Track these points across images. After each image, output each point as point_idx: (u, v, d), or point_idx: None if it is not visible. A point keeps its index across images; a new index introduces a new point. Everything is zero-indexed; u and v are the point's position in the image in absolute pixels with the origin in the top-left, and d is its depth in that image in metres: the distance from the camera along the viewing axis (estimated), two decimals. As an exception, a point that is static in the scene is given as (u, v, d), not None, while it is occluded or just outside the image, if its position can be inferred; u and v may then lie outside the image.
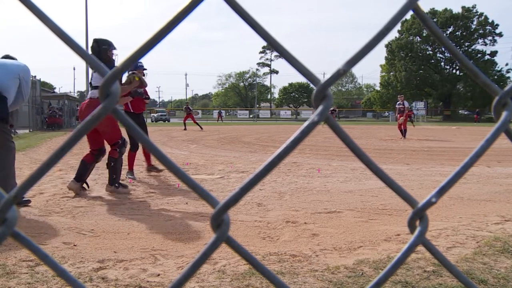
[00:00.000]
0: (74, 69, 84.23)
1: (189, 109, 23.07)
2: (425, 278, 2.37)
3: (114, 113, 0.36)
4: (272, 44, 0.38)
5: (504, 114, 0.46)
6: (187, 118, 22.66)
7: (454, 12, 54.62)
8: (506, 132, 0.47)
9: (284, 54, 0.38)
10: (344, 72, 0.37)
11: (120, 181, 4.90)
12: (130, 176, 5.88)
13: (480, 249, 2.90)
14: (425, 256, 2.67)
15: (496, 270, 2.51)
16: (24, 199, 4.11)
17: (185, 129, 21.80)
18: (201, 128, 21.72)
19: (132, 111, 6.11)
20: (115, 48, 4.93)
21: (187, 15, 0.36)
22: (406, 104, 15.85)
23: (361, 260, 2.69)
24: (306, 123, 0.37)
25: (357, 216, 3.86)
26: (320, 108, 0.37)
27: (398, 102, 15.89)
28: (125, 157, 5.18)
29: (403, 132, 15.57)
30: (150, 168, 6.42)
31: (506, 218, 3.76)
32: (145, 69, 5.98)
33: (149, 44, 0.36)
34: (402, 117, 15.46)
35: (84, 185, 4.82)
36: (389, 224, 3.61)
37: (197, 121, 22.93)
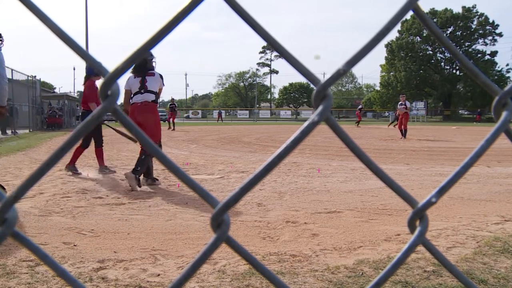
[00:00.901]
0: (74, 69, 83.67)
1: (175, 106, 23.15)
2: (425, 278, 2.37)
3: (114, 113, 0.36)
4: (272, 44, 0.38)
5: (504, 114, 0.46)
6: (174, 118, 22.81)
7: (454, 12, 54.61)
8: (506, 132, 0.47)
9: (284, 54, 0.38)
10: (344, 72, 0.37)
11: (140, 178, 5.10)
12: (72, 171, 6.20)
13: (480, 249, 2.90)
14: (425, 256, 2.67)
15: (496, 270, 2.51)
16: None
17: (173, 129, 21.80)
18: (170, 128, 21.81)
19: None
20: (154, 57, 5.42)
21: (187, 15, 0.36)
22: (408, 104, 15.97)
23: (361, 260, 2.69)
24: (306, 123, 0.37)
25: (357, 216, 3.86)
26: (320, 108, 0.37)
27: (400, 103, 16.03)
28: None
29: (403, 132, 15.62)
30: (103, 168, 6.50)
31: (506, 218, 3.76)
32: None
33: (149, 44, 0.36)
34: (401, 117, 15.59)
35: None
36: (389, 224, 3.61)
37: (173, 122, 22.84)
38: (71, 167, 6.23)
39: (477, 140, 14.53)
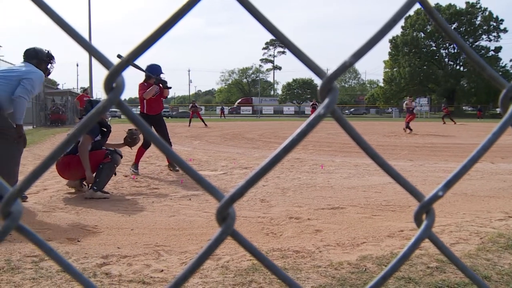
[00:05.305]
0: (77, 65, 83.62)
1: (195, 106, 23.50)
2: (428, 274, 2.37)
3: (118, 105, 0.35)
4: (277, 36, 0.37)
5: (511, 107, 0.45)
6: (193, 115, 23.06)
7: (458, 8, 54.24)
8: (514, 125, 0.46)
9: (289, 46, 0.38)
10: (351, 64, 0.37)
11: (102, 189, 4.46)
12: (134, 171, 5.90)
13: (483, 245, 2.90)
14: (428, 252, 2.66)
15: (500, 267, 2.50)
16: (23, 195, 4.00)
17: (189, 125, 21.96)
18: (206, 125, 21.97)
19: (146, 112, 6.12)
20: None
21: (190, 9, 0.36)
22: (413, 105, 17.39)
23: (364, 256, 2.69)
24: (312, 116, 0.37)
25: (360, 212, 3.86)
26: (326, 100, 0.37)
27: (406, 102, 17.30)
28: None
29: (407, 125, 16.21)
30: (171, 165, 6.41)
31: (510, 215, 3.75)
32: (162, 73, 6.15)
33: (151, 39, 0.36)
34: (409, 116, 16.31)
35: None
36: (392, 220, 3.60)
37: (202, 118, 23.21)
38: (134, 166, 6.03)
39: (480, 136, 14.48)
